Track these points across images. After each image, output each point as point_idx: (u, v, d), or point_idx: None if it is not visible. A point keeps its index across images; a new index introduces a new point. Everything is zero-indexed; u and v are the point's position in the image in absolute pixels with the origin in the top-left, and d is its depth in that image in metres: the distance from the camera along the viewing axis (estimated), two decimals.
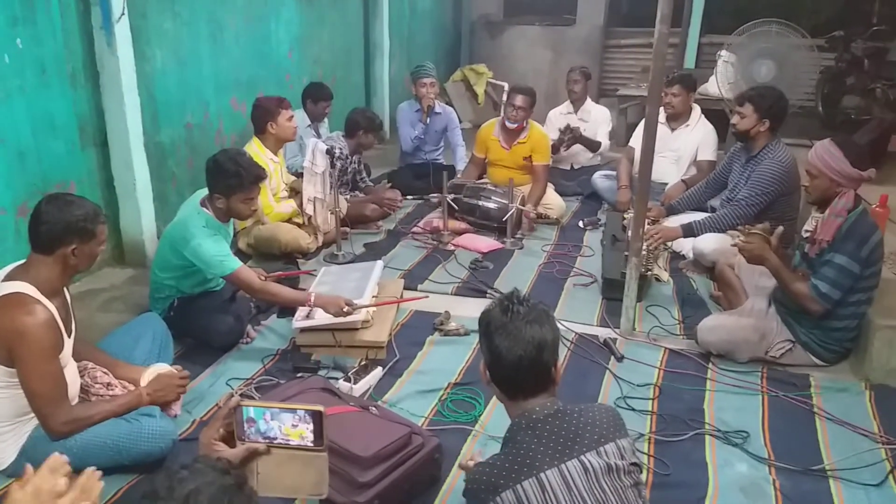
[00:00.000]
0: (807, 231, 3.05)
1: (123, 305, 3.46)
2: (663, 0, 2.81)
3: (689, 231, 3.76)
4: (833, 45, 6.86)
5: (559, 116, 5.78)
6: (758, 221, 3.28)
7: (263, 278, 3.19)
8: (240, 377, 2.89)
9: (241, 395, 2.73)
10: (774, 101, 3.72)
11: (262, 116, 4.06)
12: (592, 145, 5.60)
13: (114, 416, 2.24)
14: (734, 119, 3.83)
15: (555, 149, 5.51)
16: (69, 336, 2.24)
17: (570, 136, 5.49)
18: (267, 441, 1.54)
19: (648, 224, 3.74)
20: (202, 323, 3.05)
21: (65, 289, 2.30)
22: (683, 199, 4.31)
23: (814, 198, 2.94)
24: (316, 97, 5.13)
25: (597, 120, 5.70)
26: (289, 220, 4.23)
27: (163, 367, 2.49)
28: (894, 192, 3.97)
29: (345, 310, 2.96)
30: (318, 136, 5.13)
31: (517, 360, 1.58)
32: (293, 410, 1.54)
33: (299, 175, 4.38)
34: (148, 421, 2.27)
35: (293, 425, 1.52)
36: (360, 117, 4.75)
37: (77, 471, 1.75)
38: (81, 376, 2.36)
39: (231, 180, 2.95)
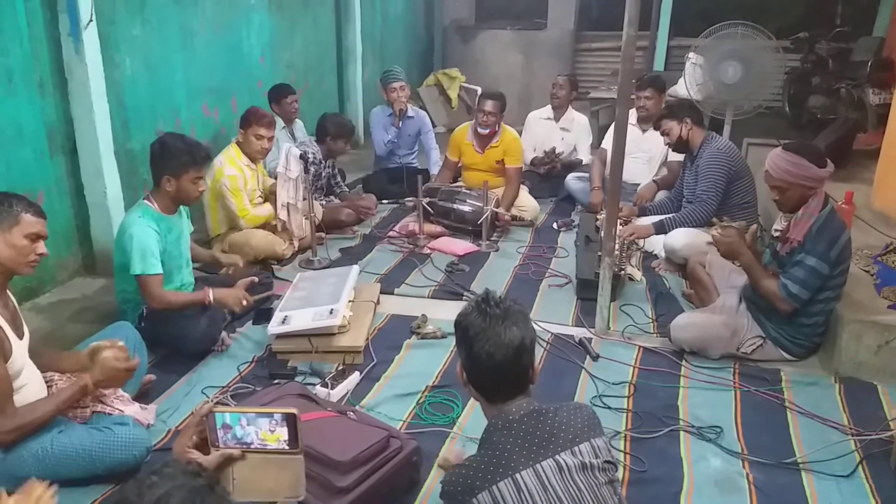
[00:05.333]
0: (776, 230, 3.11)
1: (95, 315, 3.41)
2: (631, 4, 2.86)
3: (661, 228, 3.87)
4: (798, 46, 6.99)
5: (539, 121, 5.74)
6: (725, 215, 3.38)
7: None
8: (215, 385, 2.86)
9: (216, 403, 2.71)
10: (679, 103, 4.12)
11: (241, 122, 4.07)
12: (572, 166, 5.60)
13: (61, 411, 2.20)
14: (666, 140, 4.15)
15: (534, 162, 5.53)
16: (20, 338, 2.20)
17: (550, 164, 5.50)
18: (243, 446, 1.53)
19: (621, 224, 3.80)
20: (174, 330, 3.02)
21: (8, 292, 2.24)
22: (654, 207, 4.44)
23: (788, 206, 2.95)
24: (278, 96, 5.10)
25: (578, 131, 5.67)
26: (265, 224, 4.21)
27: (105, 343, 2.36)
28: (859, 189, 4.08)
29: (243, 303, 3.07)
30: (294, 138, 5.11)
31: (497, 365, 1.58)
32: (267, 415, 1.53)
33: (273, 176, 4.36)
34: (121, 429, 2.25)
35: (270, 430, 1.52)
36: (329, 123, 4.74)
37: (50, 481, 1.74)
38: (49, 388, 2.32)
39: (183, 157, 2.98)
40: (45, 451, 2.14)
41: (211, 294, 3.06)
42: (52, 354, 2.46)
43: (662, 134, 4.12)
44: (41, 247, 2.21)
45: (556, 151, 5.51)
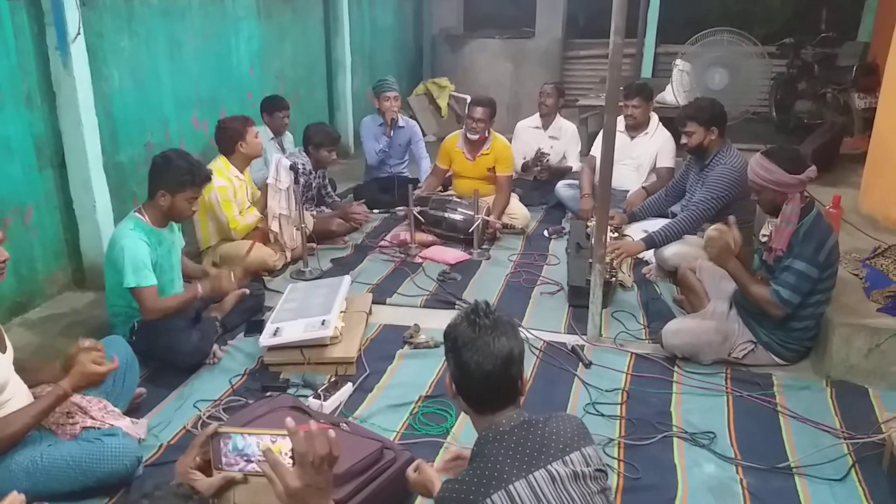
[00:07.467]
0: (764, 236, 3.13)
1: (85, 329, 3.37)
2: (617, 13, 2.88)
3: (651, 243, 3.81)
4: (784, 52, 7.07)
5: (527, 130, 5.74)
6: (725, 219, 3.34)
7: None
8: (207, 398, 2.85)
9: (208, 416, 2.69)
10: (712, 109, 3.87)
11: (232, 137, 4.06)
12: (562, 172, 5.62)
13: (40, 420, 2.17)
14: (684, 139, 3.95)
15: (524, 167, 5.54)
16: (3, 352, 2.19)
17: (540, 168, 5.51)
18: (244, 459, 1.51)
19: (611, 231, 3.80)
20: (166, 343, 3.01)
21: None
22: (645, 207, 4.40)
23: (766, 209, 3.03)
24: (271, 109, 5.12)
25: (567, 139, 5.67)
26: (255, 228, 4.21)
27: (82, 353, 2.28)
28: (847, 193, 4.10)
29: (232, 279, 3.17)
30: (283, 149, 5.13)
31: (486, 376, 1.57)
32: (272, 436, 1.51)
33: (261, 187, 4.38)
34: (110, 440, 2.25)
35: (272, 441, 1.50)
36: (313, 133, 4.75)
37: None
38: None
39: (184, 176, 2.99)
40: (35, 465, 2.14)
41: (200, 287, 3.09)
42: (35, 366, 2.43)
43: (684, 133, 3.95)
44: (2, 252, 2.17)
45: (543, 152, 5.52)
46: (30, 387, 2.30)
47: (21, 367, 2.32)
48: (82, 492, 2.21)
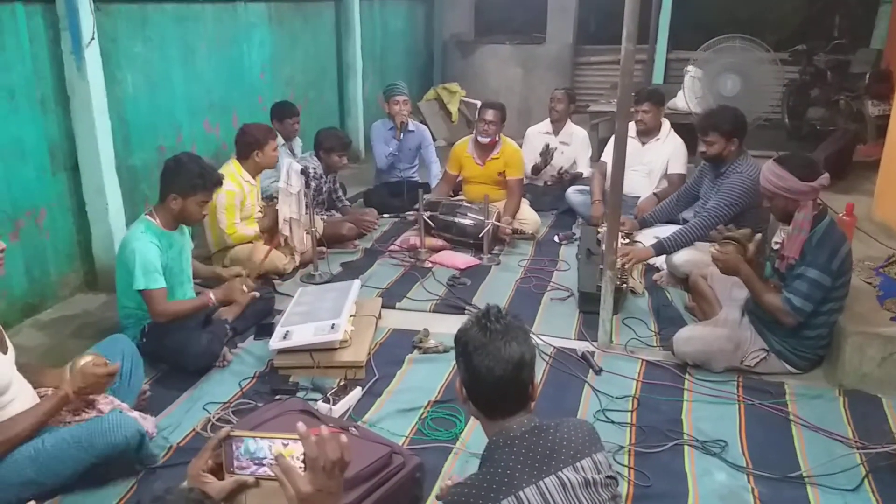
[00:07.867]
0: (776, 243, 3.11)
1: (96, 331, 3.40)
2: (629, 19, 2.88)
3: (661, 249, 3.78)
4: (796, 58, 7.04)
5: (538, 135, 5.73)
6: (737, 227, 3.30)
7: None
8: (217, 401, 2.85)
9: (218, 419, 2.70)
10: (734, 120, 3.79)
11: (250, 145, 4.07)
12: (573, 178, 5.60)
13: (42, 424, 2.18)
14: (703, 147, 3.86)
15: (535, 170, 5.54)
16: (5, 353, 2.21)
17: (549, 168, 5.49)
18: (256, 463, 1.51)
19: (622, 237, 3.77)
20: (176, 346, 3.02)
21: None
22: (656, 212, 4.37)
23: (778, 216, 3.02)
24: (281, 115, 5.13)
25: (577, 144, 5.67)
26: (268, 239, 4.20)
27: (85, 358, 2.32)
28: (860, 201, 4.08)
29: (244, 290, 3.23)
30: (294, 154, 5.14)
31: (497, 381, 1.56)
32: (284, 440, 1.51)
33: (274, 198, 4.38)
34: (110, 414, 2.28)
35: (284, 444, 1.50)
36: (324, 138, 4.76)
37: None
38: None
39: (195, 180, 3.02)
40: (38, 450, 2.15)
41: (213, 295, 3.12)
42: (37, 369, 2.45)
43: (704, 142, 3.84)
44: None
45: (550, 147, 5.51)
46: (35, 388, 2.32)
47: (23, 368, 2.34)
48: (82, 471, 2.22)
